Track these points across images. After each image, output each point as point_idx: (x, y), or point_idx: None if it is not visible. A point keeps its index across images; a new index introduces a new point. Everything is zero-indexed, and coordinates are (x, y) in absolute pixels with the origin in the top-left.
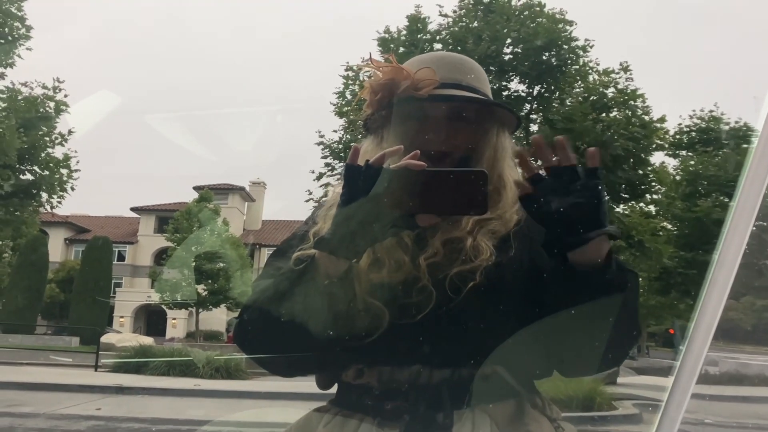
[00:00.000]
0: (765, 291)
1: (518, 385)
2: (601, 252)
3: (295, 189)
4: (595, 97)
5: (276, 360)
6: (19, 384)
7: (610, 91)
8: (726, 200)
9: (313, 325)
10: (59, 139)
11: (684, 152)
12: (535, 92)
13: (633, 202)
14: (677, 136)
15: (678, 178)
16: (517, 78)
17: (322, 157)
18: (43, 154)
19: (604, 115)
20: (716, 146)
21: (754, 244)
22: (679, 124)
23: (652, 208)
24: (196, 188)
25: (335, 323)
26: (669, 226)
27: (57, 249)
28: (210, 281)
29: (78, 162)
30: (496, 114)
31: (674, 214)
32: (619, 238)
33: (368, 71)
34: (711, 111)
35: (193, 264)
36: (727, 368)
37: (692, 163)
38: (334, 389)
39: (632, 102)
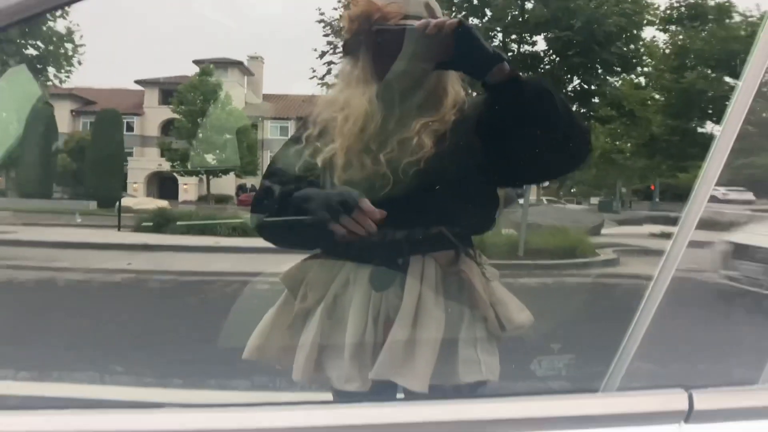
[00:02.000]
0: None
1: (456, 239)
2: (503, 72)
3: (294, 64)
4: None
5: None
6: (50, 243)
7: None
8: (710, 72)
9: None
10: (60, 13)
11: (673, 27)
12: None
13: (625, 74)
14: (667, 12)
15: (667, 51)
16: None
17: (324, 35)
18: (44, 28)
19: None
20: (702, 21)
21: None
22: (670, 0)
23: (642, 80)
24: (196, 62)
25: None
26: (657, 96)
27: (63, 121)
28: (218, 151)
29: (82, 36)
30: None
31: (662, 85)
32: (506, 60)
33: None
34: None
35: (200, 135)
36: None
37: (680, 37)
38: None
39: None
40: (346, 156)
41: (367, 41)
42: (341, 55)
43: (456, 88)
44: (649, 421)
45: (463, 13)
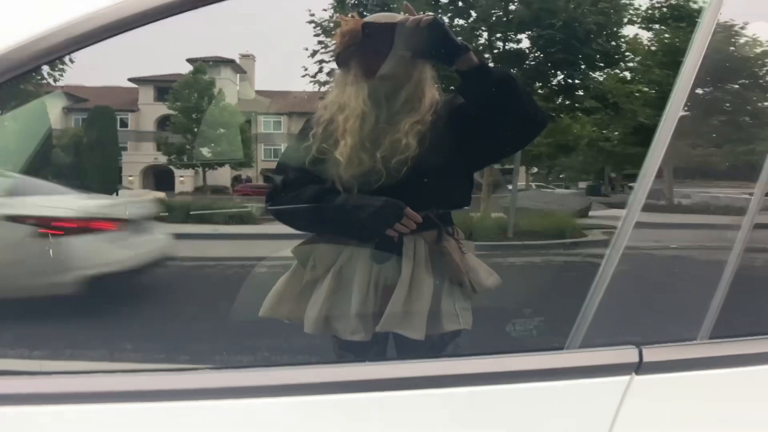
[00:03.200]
0: (744, 141)
1: (438, 220)
2: (471, 60)
3: (285, 63)
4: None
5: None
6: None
7: None
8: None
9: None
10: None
11: (657, 26)
12: None
13: (608, 69)
14: (649, 11)
15: (653, 48)
16: None
17: (315, 35)
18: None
19: None
20: (689, 23)
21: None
22: (651, 1)
23: (627, 74)
24: (189, 60)
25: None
26: (646, 89)
27: (56, 118)
28: (213, 144)
29: None
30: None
31: (652, 79)
32: (470, 49)
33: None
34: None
35: (196, 130)
36: (697, 200)
37: (667, 36)
38: None
39: None
40: (349, 152)
41: (357, 51)
42: (334, 62)
43: (432, 91)
44: (606, 373)
45: (449, 14)
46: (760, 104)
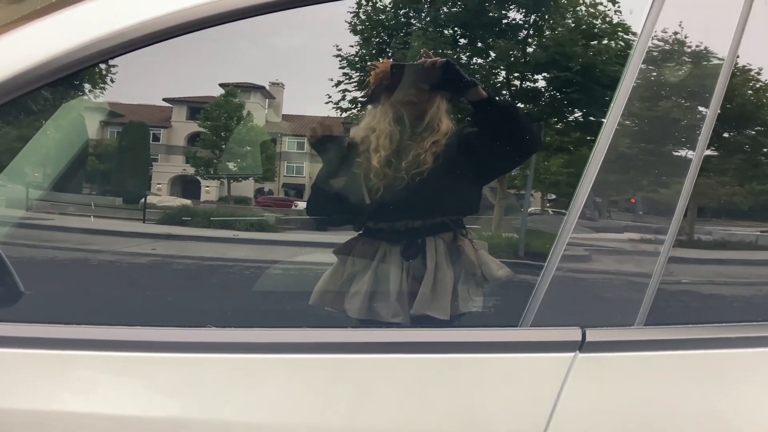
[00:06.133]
0: (765, 178)
1: (453, 224)
2: (480, 93)
3: (310, 90)
4: (584, 27)
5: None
6: (82, 229)
7: (599, 22)
8: (684, 102)
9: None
10: None
11: (643, 65)
12: (531, 20)
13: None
14: (668, 56)
15: (635, 84)
16: (515, 7)
17: (340, 68)
18: None
19: (595, 42)
20: (678, 63)
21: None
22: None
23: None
24: (221, 85)
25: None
26: (628, 122)
27: (93, 130)
28: (239, 160)
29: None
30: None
31: (631, 111)
32: (478, 84)
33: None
34: (675, 33)
35: (224, 146)
36: (717, 237)
37: (654, 73)
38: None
39: (618, 31)
40: (380, 162)
41: (386, 88)
42: (368, 98)
43: (447, 120)
44: (552, 349)
45: (468, 53)
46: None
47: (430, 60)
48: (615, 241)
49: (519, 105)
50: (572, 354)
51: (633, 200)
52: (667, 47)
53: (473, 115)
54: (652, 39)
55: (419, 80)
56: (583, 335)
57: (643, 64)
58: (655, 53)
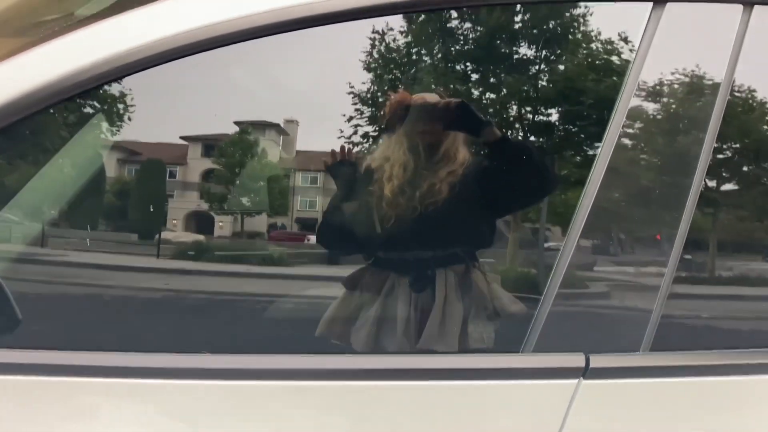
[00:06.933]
0: None
1: (465, 256)
2: (494, 133)
3: (323, 126)
4: (599, 62)
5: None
6: (95, 265)
7: (614, 58)
8: (702, 135)
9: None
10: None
11: (664, 99)
12: (542, 56)
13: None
14: (657, 87)
15: (658, 117)
16: (526, 43)
17: (353, 104)
18: (101, 91)
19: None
20: (698, 94)
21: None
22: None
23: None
24: (236, 123)
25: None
26: (647, 157)
27: (110, 168)
28: (252, 195)
29: (132, 99)
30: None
31: (654, 148)
32: (492, 125)
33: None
34: (693, 70)
35: (237, 182)
36: (737, 272)
37: (673, 106)
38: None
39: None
40: (393, 191)
41: (401, 117)
42: (384, 126)
43: (464, 151)
44: (556, 376)
45: (481, 88)
46: None
47: (443, 101)
48: (619, 264)
49: (533, 143)
50: (576, 381)
51: (659, 236)
52: (663, 77)
53: (488, 155)
54: (645, 69)
55: (433, 120)
56: (587, 361)
57: (639, 93)
58: (649, 83)
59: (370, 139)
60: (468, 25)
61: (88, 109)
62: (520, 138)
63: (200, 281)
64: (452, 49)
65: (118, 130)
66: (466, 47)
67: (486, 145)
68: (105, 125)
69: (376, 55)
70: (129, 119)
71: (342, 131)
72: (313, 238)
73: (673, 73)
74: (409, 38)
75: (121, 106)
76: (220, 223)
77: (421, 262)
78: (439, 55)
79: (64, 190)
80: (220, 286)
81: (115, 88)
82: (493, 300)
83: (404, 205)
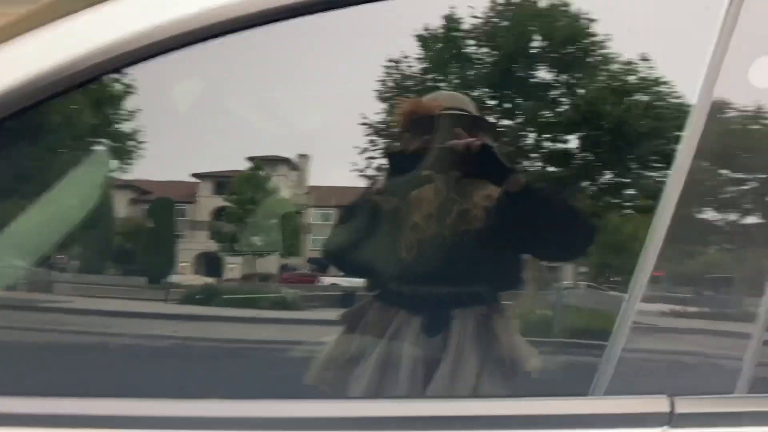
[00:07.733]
0: None
1: (489, 297)
2: (518, 183)
3: (335, 160)
4: (618, 84)
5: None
6: (103, 311)
7: (632, 78)
8: (725, 171)
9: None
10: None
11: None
12: (561, 80)
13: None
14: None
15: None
16: (545, 68)
17: (366, 135)
18: (110, 129)
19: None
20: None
21: None
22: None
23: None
24: (248, 158)
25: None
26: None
27: (121, 208)
28: (264, 233)
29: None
30: (479, 124)
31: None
32: (517, 171)
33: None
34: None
35: (249, 220)
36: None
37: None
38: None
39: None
40: (419, 218)
41: (417, 128)
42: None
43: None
44: (635, 424)
45: (497, 114)
46: None
47: (463, 141)
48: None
49: (569, 198)
50: (660, 429)
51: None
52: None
53: (509, 206)
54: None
55: (449, 163)
56: (672, 405)
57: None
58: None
59: (384, 172)
60: (485, 50)
61: (100, 147)
62: (550, 189)
63: (210, 328)
64: (468, 74)
65: (129, 169)
66: (484, 71)
67: (509, 197)
68: (115, 163)
69: (391, 84)
70: (140, 157)
71: (355, 164)
72: (324, 279)
73: None
74: (425, 64)
75: (131, 143)
76: (231, 265)
77: (437, 299)
78: (456, 81)
79: (64, 228)
80: (231, 332)
81: (127, 125)
82: (512, 352)
83: (431, 232)
